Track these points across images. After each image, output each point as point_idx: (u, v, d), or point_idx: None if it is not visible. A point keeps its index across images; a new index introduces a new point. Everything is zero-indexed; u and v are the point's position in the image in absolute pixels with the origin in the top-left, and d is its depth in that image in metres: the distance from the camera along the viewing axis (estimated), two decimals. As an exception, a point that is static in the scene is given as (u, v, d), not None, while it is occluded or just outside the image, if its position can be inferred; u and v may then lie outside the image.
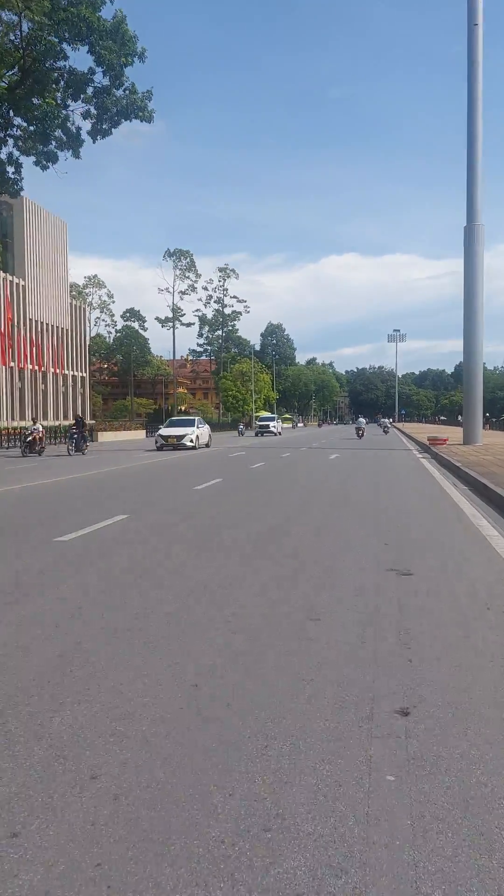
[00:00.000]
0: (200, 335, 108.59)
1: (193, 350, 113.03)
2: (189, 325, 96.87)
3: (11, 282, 63.27)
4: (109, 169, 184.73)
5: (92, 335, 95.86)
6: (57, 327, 72.42)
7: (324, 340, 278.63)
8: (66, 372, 75.08)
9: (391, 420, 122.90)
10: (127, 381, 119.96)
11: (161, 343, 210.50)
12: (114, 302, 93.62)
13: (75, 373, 77.42)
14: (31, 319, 66.35)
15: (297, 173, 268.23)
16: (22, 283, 65.03)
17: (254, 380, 75.10)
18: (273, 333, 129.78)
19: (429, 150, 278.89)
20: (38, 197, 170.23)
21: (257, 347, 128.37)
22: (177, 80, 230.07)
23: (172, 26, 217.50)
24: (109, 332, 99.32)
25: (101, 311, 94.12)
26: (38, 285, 68.26)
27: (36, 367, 64.78)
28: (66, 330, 74.69)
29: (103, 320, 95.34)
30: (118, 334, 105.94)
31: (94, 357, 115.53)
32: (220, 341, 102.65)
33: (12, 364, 62.28)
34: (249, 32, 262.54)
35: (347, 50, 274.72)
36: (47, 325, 69.97)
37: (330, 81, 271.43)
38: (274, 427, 58.39)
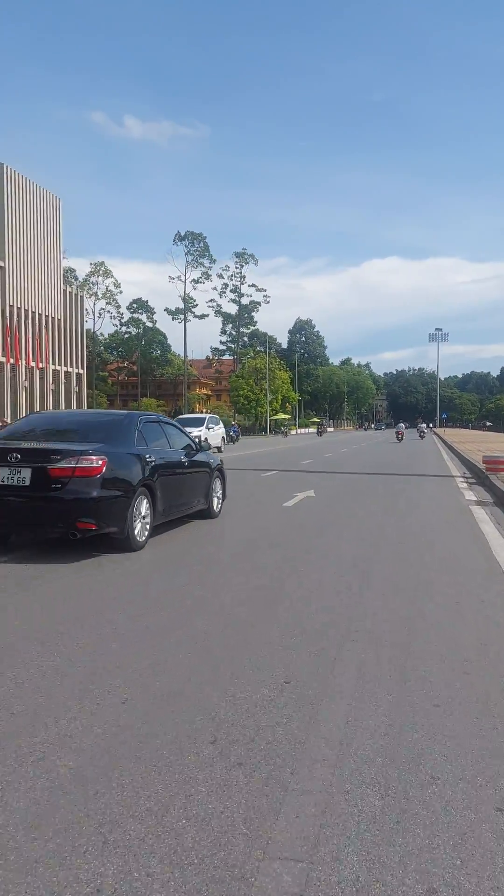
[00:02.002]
0: (223, 332, 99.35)
1: (216, 349, 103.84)
2: (202, 316, 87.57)
3: (-13, 262, 54.67)
4: (153, 174, 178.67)
5: (97, 328, 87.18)
6: (47, 317, 63.69)
7: (364, 345, 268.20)
8: (59, 368, 66.34)
9: (430, 425, 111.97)
10: (146, 382, 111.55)
11: (179, 339, 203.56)
12: (120, 292, 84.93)
13: (69, 369, 68.63)
14: (10, 306, 57.65)
15: (340, 177, 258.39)
16: (1, 264, 56.41)
17: (269, 377, 65.14)
18: (301, 330, 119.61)
19: (474, 153, 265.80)
20: (78, 200, 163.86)
21: (284, 345, 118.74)
22: (222, 84, 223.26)
23: (217, 31, 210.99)
24: (117, 326, 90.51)
25: (108, 303, 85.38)
26: (22, 268, 59.57)
27: (17, 362, 55.83)
28: (59, 320, 65.94)
29: (108, 312, 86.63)
30: (137, 331, 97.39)
31: (110, 355, 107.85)
32: (244, 338, 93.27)
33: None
34: (291, 38, 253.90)
35: (389, 53, 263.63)
36: (33, 313, 61.25)
37: (372, 85, 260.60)
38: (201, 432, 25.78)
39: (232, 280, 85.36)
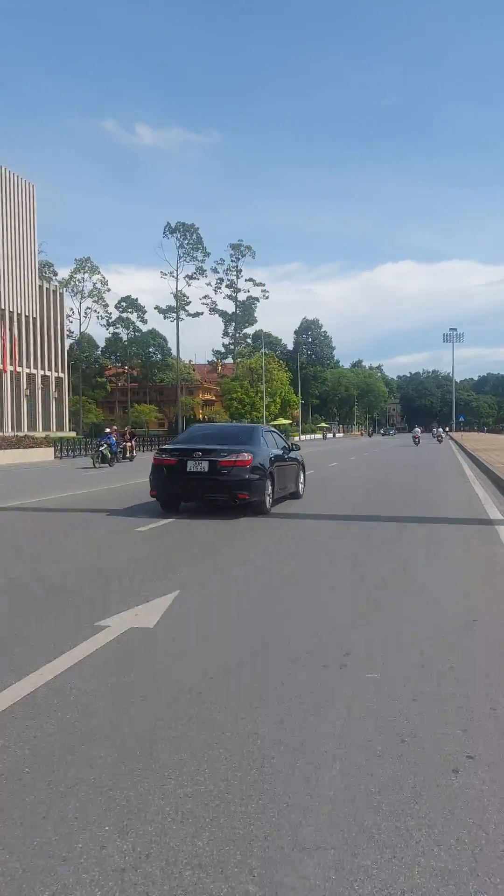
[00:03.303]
0: (225, 333, 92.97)
1: (218, 351, 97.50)
2: (196, 315, 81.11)
3: None
4: (163, 181, 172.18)
5: (83, 328, 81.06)
6: (19, 315, 57.61)
7: (377, 349, 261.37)
8: (34, 371, 60.20)
9: (447, 429, 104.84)
10: (146, 387, 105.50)
11: (184, 343, 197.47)
12: (108, 290, 78.74)
13: (47, 372, 62.46)
14: (-26, 302, 51.58)
15: (353, 183, 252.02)
16: (-38, 255, 50.38)
17: (265, 377, 58.39)
18: (308, 330, 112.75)
19: (489, 157, 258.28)
20: (89, 208, 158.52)
21: (290, 347, 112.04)
22: (233, 90, 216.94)
23: (228, 39, 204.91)
24: (104, 326, 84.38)
25: (95, 301, 79.15)
26: (-12, 260, 53.52)
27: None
28: (34, 319, 59.85)
29: (95, 311, 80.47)
30: (128, 333, 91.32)
31: (108, 360, 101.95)
32: (247, 339, 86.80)
33: None
34: (303, 45, 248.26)
35: (399, 58, 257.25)
36: (1, 310, 55.15)
37: (385, 92, 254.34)
38: None
39: (227, 274, 79.04)
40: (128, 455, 29.21)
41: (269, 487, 10.80)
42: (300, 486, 13.08)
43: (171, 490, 10.70)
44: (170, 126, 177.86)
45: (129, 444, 29.88)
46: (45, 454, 30.67)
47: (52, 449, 32.13)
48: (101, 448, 25.62)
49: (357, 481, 17.51)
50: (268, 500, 10.73)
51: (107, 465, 25.32)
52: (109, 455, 25.39)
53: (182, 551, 7.36)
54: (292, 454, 12.64)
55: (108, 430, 29.40)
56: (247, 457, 10.33)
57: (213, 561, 6.75)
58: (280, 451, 11.92)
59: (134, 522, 9.64)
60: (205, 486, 10.37)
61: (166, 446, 11.27)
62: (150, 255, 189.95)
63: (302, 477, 13.27)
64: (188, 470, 10.31)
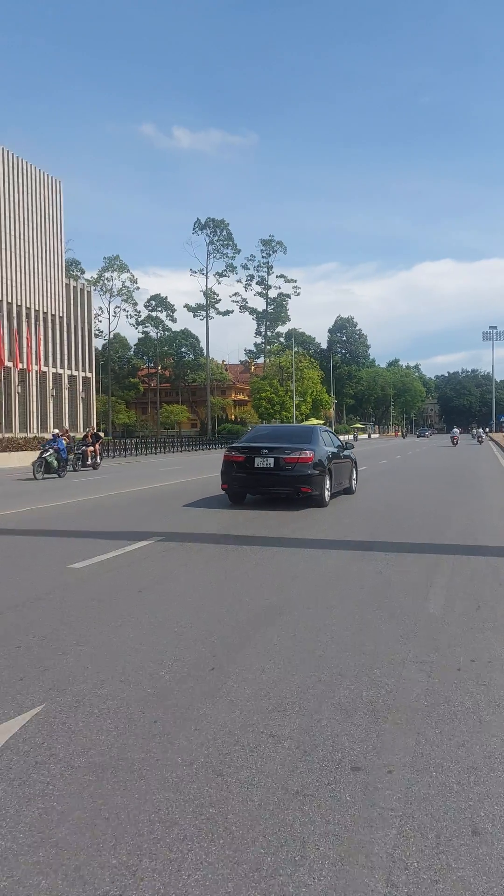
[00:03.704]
0: (258, 333, 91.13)
1: (250, 351, 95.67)
2: (226, 313, 79.25)
3: (-34, 249, 47.69)
4: (201, 184, 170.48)
5: (113, 328, 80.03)
6: (45, 314, 56.57)
7: (414, 349, 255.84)
8: (61, 371, 59.12)
9: (486, 430, 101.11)
10: (178, 388, 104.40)
11: (218, 343, 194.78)
12: (137, 289, 77.50)
13: (74, 372, 61.34)
14: (-1, 300, 50.61)
15: (391, 182, 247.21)
16: (-14, 252, 49.47)
17: (294, 376, 56.09)
18: (342, 329, 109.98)
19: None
20: (128, 212, 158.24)
21: (324, 346, 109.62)
22: (269, 90, 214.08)
23: (264, 40, 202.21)
24: (133, 325, 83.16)
25: (124, 300, 78.00)
26: (12, 258, 52.56)
27: (10, 364, 48.54)
28: (61, 318, 58.77)
29: (124, 310, 79.30)
30: (158, 332, 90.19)
31: (141, 361, 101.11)
32: (280, 338, 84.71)
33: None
34: (340, 44, 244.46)
35: (436, 55, 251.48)
36: (27, 309, 54.16)
37: (423, 90, 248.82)
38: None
39: (258, 271, 76.95)
40: (89, 462, 24.32)
41: (328, 482, 11.82)
42: (353, 482, 14.20)
43: (240, 484, 11.78)
44: (207, 128, 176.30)
45: (90, 448, 24.53)
46: (57, 456, 29.17)
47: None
48: (44, 455, 20.31)
49: (381, 494, 15.33)
50: (327, 493, 11.76)
51: (55, 474, 20.45)
52: (57, 463, 20.39)
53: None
54: (346, 452, 13.61)
55: (55, 431, 23.65)
56: (309, 454, 11.33)
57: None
58: (335, 449, 12.85)
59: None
60: (271, 481, 11.43)
61: (235, 444, 12.31)
62: (188, 256, 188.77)
63: (355, 474, 14.32)
64: (255, 466, 11.43)
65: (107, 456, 34.96)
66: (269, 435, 12.97)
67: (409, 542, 7.86)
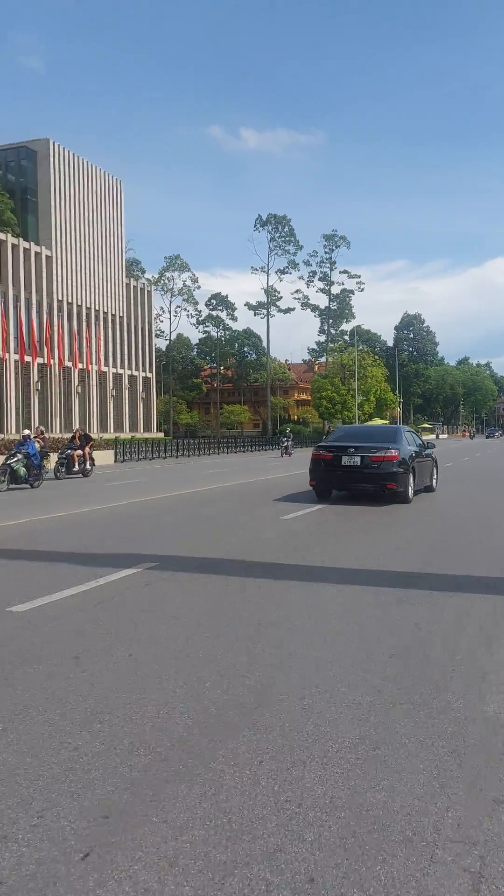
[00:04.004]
0: (321, 331, 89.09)
1: (313, 349, 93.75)
2: (287, 311, 77.51)
3: (27, 251, 47.95)
4: (269, 185, 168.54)
5: (173, 327, 79.71)
6: (105, 313, 56.52)
7: (486, 348, 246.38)
8: (121, 371, 59.01)
9: None
10: (241, 388, 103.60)
11: (282, 342, 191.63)
12: (198, 287, 76.94)
13: (135, 372, 61.17)
14: (59, 301, 50.75)
15: (460, 177, 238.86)
16: (47, 253, 49.66)
17: (357, 374, 53.70)
18: (409, 326, 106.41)
19: None
20: (198, 215, 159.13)
21: (390, 343, 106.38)
22: (337, 88, 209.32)
23: (330, 38, 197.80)
24: (194, 325, 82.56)
25: (185, 300, 77.50)
26: (74, 258, 52.63)
27: (61, 363, 48.50)
28: (121, 318, 58.66)
29: (185, 309, 78.78)
30: (218, 331, 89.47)
31: (204, 361, 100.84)
32: (344, 336, 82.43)
33: (28, 359, 46.67)
34: (406, 39, 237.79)
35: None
36: (87, 309, 54.18)
37: (488, 84, 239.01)
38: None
39: (321, 267, 74.87)
40: (77, 467, 20.69)
41: (412, 480, 12.24)
42: (434, 480, 14.52)
43: (328, 481, 12.52)
44: (275, 128, 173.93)
45: (76, 452, 20.83)
46: (105, 457, 28.35)
47: (113, 451, 29.74)
48: (10, 461, 16.78)
49: (437, 509, 13.44)
50: (410, 490, 12.17)
51: (25, 484, 16.90)
52: (26, 471, 16.90)
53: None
54: (427, 451, 13.99)
55: (26, 432, 19.78)
56: (394, 452, 11.81)
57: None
58: (418, 449, 13.19)
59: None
60: (357, 477, 12.06)
61: (323, 444, 13.09)
62: (252, 256, 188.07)
63: (435, 473, 14.76)
64: (343, 464, 12.03)
65: (158, 457, 33.87)
66: (354, 435, 13.74)
67: (471, 577, 6.15)
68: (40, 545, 7.80)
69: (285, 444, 36.44)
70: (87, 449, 21.30)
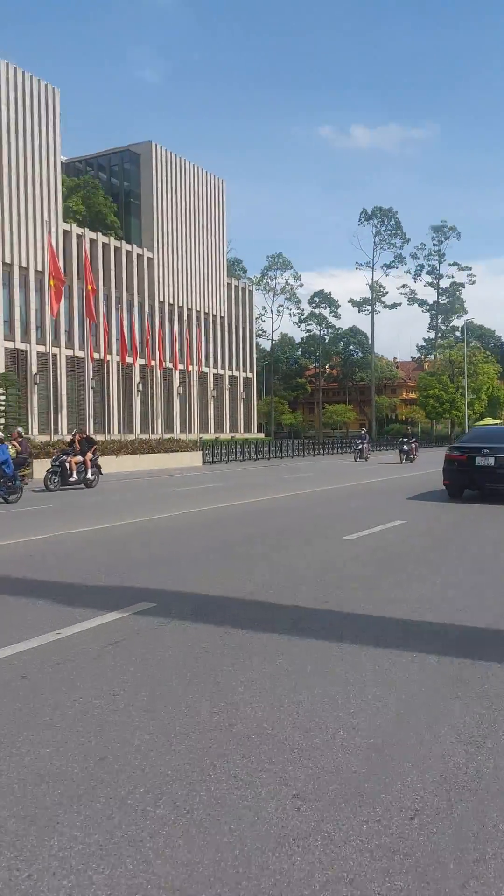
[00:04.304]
0: (431, 327, 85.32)
1: (422, 346, 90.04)
2: (393, 306, 74.39)
3: (129, 252, 48.50)
4: (380, 181, 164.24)
5: (276, 326, 78.78)
6: (206, 314, 56.44)
7: None
8: (222, 371, 58.77)
9: None
10: (346, 387, 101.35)
11: (391, 340, 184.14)
12: (301, 286, 75.47)
13: (235, 372, 60.76)
14: (161, 303, 51.08)
15: None
16: (149, 254, 50.10)
17: (466, 371, 50.14)
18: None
19: None
20: (309, 216, 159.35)
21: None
22: (447, 78, 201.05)
23: (440, 24, 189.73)
24: (296, 323, 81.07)
25: (288, 298, 76.29)
26: (175, 259, 52.84)
27: (161, 364, 48.64)
28: (222, 318, 58.41)
29: (287, 308, 77.51)
30: (330, 330, 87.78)
31: (308, 360, 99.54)
32: (455, 332, 78.33)
33: (129, 360, 47.22)
34: None
35: None
36: (189, 310, 54.25)
37: None
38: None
39: (428, 260, 71.17)
40: (75, 477, 17.55)
41: None
42: None
43: (461, 481, 12.93)
44: (386, 123, 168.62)
45: (74, 459, 17.69)
46: (193, 459, 27.58)
47: (201, 453, 28.90)
48: None
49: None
50: None
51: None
52: None
53: None
54: None
55: (19, 429, 18.64)
56: None
57: None
58: None
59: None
60: (491, 477, 12.31)
61: (457, 444, 13.68)
62: (359, 253, 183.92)
63: None
64: (476, 464, 12.38)
65: (248, 459, 32.72)
66: (488, 436, 13.77)
67: None
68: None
69: (360, 446, 31.55)
70: (89, 455, 18.14)
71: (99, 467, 18.71)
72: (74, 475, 17.44)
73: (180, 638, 4.42)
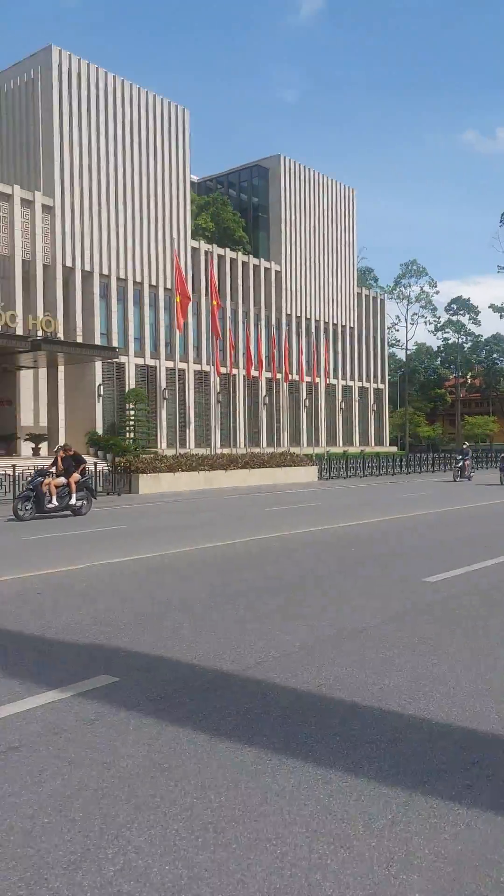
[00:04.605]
0: None
1: None
2: (540, 310, 68.76)
3: (257, 267, 48.59)
4: None
5: (410, 336, 75.89)
6: (335, 325, 55.35)
7: None
8: (351, 383, 57.33)
9: None
10: (490, 398, 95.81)
11: None
12: (437, 293, 72.05)
13: (366, 384, 59.05)
14: (288, 315, 50.73)
15: None
16: (276, 268, 49.98)
17: None
18: None
19: None
20: (448, 224, 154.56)
21: None
22: None
23: None
24: (432, 332, 77.39)
25: (423, 307, 73.12)
26: (305, 271, 52.31)
27: (286, 377, 48.09)
28: (351, 328, 57.04)
29: (422, 317, 74.24)
30: (474, 340, 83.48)
31: (448, 370, 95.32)
32: None
33: (255, 373, 47.24)
34: None
35: None
36: (317, 322, 53.45)
37: None
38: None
39: None
40: (54, 503, 14.48)
41: None
42: None
43: None
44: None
45: (52, 482, 14.63)
46: (308, 474, 26.52)
47: (317, 468, 27.72)
48: None
49: None
50: None
51: None
52: None
53: None
54: None
55: None
56: None
57: None
58: None
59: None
60: None
61: None
62: (499, 256, 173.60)
63: None
64: None
65: (370, 474, 30.94)
66: None
67: None
68: None
69: (460, 462, 28.08)
70: (75, 476, 14.91)
71: (91, 490, 15.49)
72: (54, 501, 14.35)
73: (106, 747, 3.19)
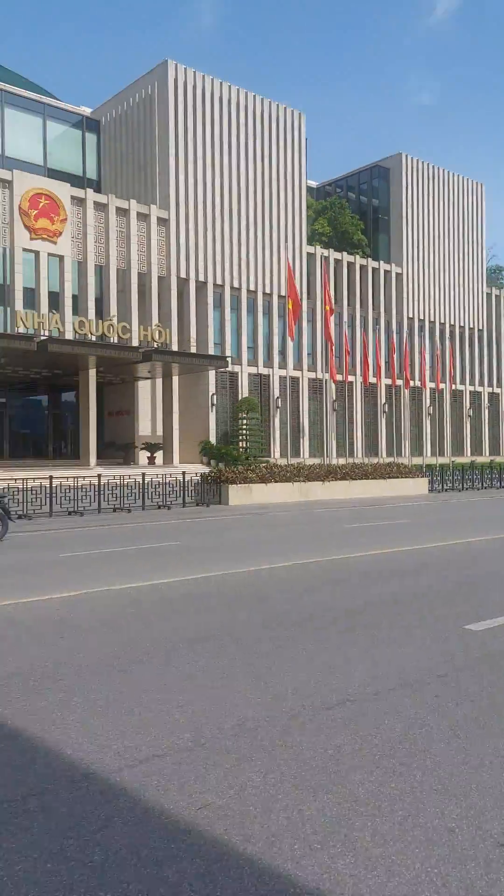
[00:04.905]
0: None
1: None
2: None
3: (376, 270, 47.06)
4: None
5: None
6: (461, 327, 52.44)
7: None
8: (479, 388, 54.03)
9: None
10: None
11: None
12: None
13: (496, 389, 55.43)
14: (409, 318, 48.72)
15: None
16: (397, 270, 48.19)
17: None
18: None
19: None
20: None
21: None
22: None
23: None
24: None
25: None
26: (428, 272, 50.04)
27: (406, 384, 46.09)
28: (479, 330, 53.78)
29: None
30: None
31: None
32: None
33: (372, 380, 45.79)
34: None
35: None
36: (441, 324, 50.90)
37: None
38: None
39: None
40: None
41: None
42: None
43: None
44: None
45: None
46: (418, 486, 24.72)
47: (427, 479, 25.79)
48: None
49: None
50: None
51: None
52: None
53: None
54: None
55: None
56: None
57: None
58: None
59: None
60: None
61: None
62: None
63: None
64: None
65: (493, 486, 28.29)
66: None
67: None
68: None
69: None
70: None
71: (7, 512, 12.71)
72: None
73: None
